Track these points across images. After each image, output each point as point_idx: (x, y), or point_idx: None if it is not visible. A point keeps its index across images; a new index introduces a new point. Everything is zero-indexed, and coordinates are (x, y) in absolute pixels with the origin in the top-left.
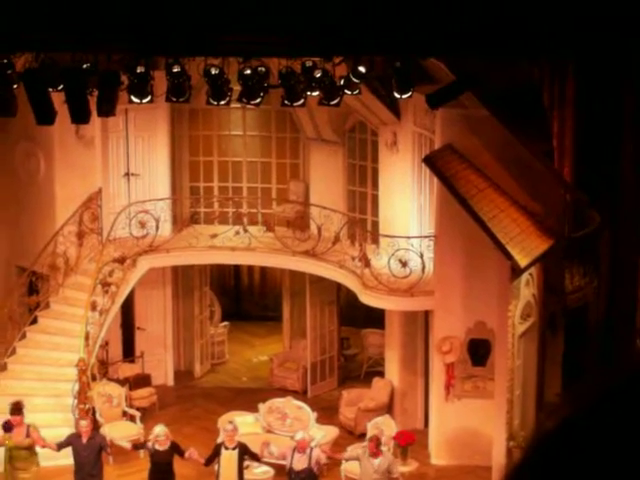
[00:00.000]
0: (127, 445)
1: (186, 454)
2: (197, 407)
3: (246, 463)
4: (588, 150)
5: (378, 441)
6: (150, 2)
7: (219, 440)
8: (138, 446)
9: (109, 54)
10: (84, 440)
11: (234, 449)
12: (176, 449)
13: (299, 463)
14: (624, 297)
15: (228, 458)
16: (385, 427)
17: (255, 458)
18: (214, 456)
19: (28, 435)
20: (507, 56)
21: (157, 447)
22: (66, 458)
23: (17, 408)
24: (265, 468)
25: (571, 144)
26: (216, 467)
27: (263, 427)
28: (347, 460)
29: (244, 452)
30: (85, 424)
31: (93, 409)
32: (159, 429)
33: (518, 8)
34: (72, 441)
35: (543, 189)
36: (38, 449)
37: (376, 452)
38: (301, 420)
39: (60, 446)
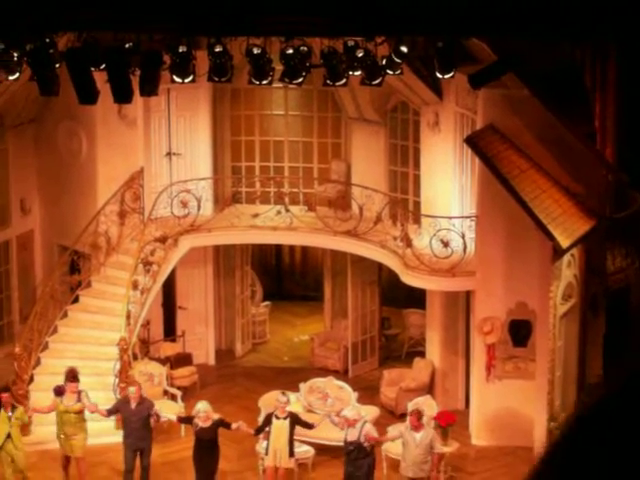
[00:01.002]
0: (173, 417)
1: (234, 425)
2: (238, 386)
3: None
4: (630, 131)
5: (419, 414)
6: None
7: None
8: (183, 420)
9: (151, 33)
10: (133, 406)
11: (285, 419)
12: (221, 424)
13: (351, 435)
14: None
15: (279, 427)
16: (426, 407)
17: (308, 427)
18: (264, 426)
19: (79, 401)
20: (550, 37)
21: (199, 423)
22: (114, 436)
23: (72, 375)
24: (306, 448)
25: (613, 125)
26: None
27: (304, 407)
28: (392, 440)
29: (295, 421)
30: (134, 390)
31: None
32: (200, 405)
33: None
34: (121, 407)
35: (585, 170)
36: (90, 424)
37: (418, 425)
38: (342, 400)
39: (110, 412)
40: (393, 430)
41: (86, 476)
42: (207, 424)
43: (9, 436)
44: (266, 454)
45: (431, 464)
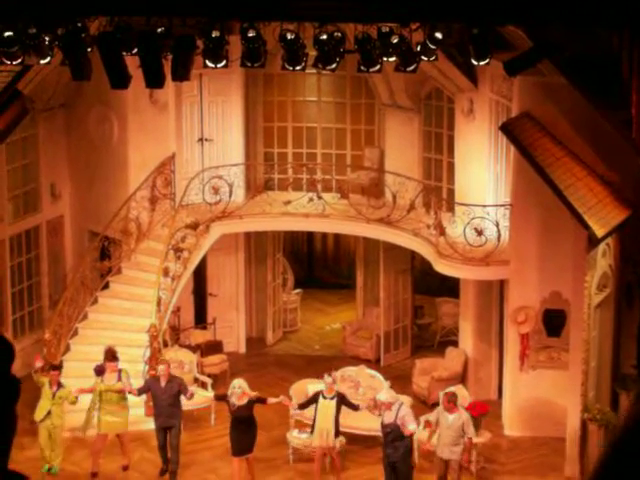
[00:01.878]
0: (209, 395)
1: (271, 400)
2: (269, 374)
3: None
4: None
5: (452, 397)
6: None
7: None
8: (221, 397)
9: (184, 18)
10: (162, 384)
11: (332, 398)
12: (257, 401)
13: (387, 417)
14: None
15: (326, 406)
16: (458, 397)
17: (354, 408)
18: (310, 402)
19: (119, 379)
20: (586, 24)
21: (234, 401)
22: (145, 423)
23: (111, 354)
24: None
25: None
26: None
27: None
28: (435, 431)
29: (342, 402)
30: (163, 368)
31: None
32: (236, 381)
33: None
34: (151, 385)
35: (621, 159)
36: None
37: (449, 407)
38: (374, 389)
39: (140, 391)
40: (431, 417)
41: (129, 449)
42: (243, 402)
43: (49, 413)
44: (311, 433)
45: (463, 447)
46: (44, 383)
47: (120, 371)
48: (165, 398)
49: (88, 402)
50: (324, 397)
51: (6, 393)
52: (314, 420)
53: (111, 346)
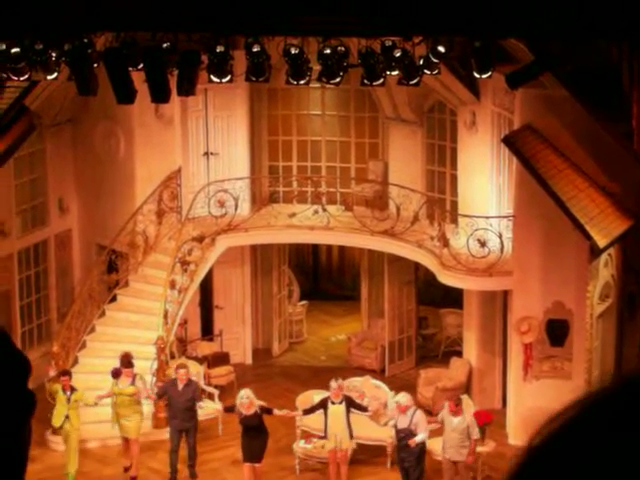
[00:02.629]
0: (218, 407)
1: (276, 411)
2: (275, 385)
3: (323, 442)
4: None
5: (457, 400)
6: None
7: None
8: (229, 408)
9: (189, 33)
10: (180, 387)
11: (340, 403)
12: (263, 411)
13: (401, 422)
14: None
15: (336, 412)
16: (463, 407)
17: (362, 409)
18: (315, 408)
19: (133, 384)
20: (587, 37)
21: (242, 411)
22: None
23: (127, 361)
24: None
25: None
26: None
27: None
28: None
29: (350, 405)
30: (183, 372)
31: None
32: (243, 392)
33: None
34: (168, 388)
35: (622, 170)
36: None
37: (455, 411)
38: (379, 399)
39: (159, 395)
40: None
41: (138, 458)
42: (250, 412)
43: (67, 417)
44: (325, 437)
45: (469, 449)
46: (57, 390)
47: (135, 376)
48: (182, 401)
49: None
50: (332, 402)
51: (23, 407)
52: (326, 426)
53: (127, 352)
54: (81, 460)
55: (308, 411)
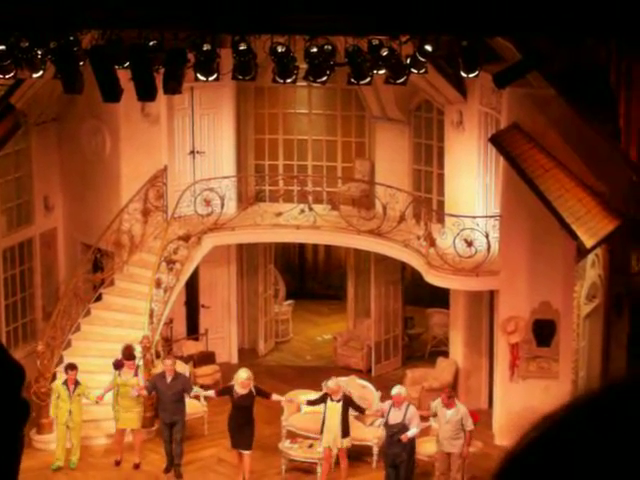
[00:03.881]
0: (211, 394)
1: (274, 397)
2: (261, 384)
3: (309, 442)
4: None
5: (450, 392)
6: None
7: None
8: (222, 391)
9: (176, 31)
10: (168, 380)
11: (339, 401)
12: (260, 392)
13: (394, 417)
14: None
15: (333, 409)
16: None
17: (359, 410)
18: (318, 401)
19: (136, 375)
20: (574, 35)
21: (238, 390)
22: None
23: (129, 353)
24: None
25: (638, 124)
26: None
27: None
28: (433, 417)
29: (348, 404)
30: (170, 363)
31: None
32: (242, 372)
33: None
34: (157, 381)
35: (609, 169)
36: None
37: (448, 403)
38: (365, 399)
39: (148, 389)
40: (433, 407)
41: (140, 448)
42: (245, 390)
43: (70, 412)
44: (321, 432)
45: (463, 440)
46: (59, 388)
47: (137, 368)
48: (170, 395)
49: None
50: (331, 399)
51: (17, 415)
52: (323, 422)
53: (130, 344)
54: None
55: (311, 402)
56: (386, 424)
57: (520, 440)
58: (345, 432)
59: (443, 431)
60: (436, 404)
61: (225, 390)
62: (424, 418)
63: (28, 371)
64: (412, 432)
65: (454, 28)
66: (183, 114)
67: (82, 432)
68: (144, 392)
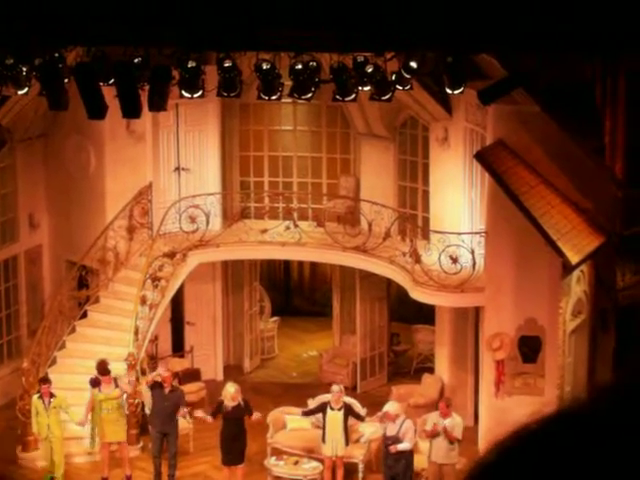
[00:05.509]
0: (208, 419)
1: (254, 416)
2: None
3: (295, 459)
4: None
5: (449, 402)
6: None
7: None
8: (215, 412)
9: (160, 48)
10: (166, 390)
11: (340, 410)
12: (247, 406)
13: (390, 430)
14: None
15: (334, 418)
16: (435, 423)
17: (359, 418)
18: (315, 411)
19: (117, 387)
20: (559, 53)
21: (227, 403)
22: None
23: (103, 368)
24: (315, 464)
25: (623, 141)
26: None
27: (312, 423)
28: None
29: (349, 412)
30: (168, 374)
31: (142, 403)
32: (229, 386)
33: (570, 4)
34: (152, 390)
35: (594, 186)
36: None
37: (446, 412)
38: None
39: (151, 388)
40: (429, 419)
41: (129, 459)
42: (235, 403)
43: (48, 426)
44: (323, 442)
45: (457, 452)
46: (34, 401)
47: (115, 379)
48: (167, 406)
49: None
50: (332, 408)
51: None
52: (324, 431)
53: (103, 359)
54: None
55: (307, 413)
56: (384, 436)
57: (493, 449)
58: (346, 441)
59: (438, 441)
60: (432, 416)
61: (217, 409)
62: (429, 434)
63: (13, 388)
64: (403, 446)
65: (439, 45)
66: (168, 131)
67: (64, 449)
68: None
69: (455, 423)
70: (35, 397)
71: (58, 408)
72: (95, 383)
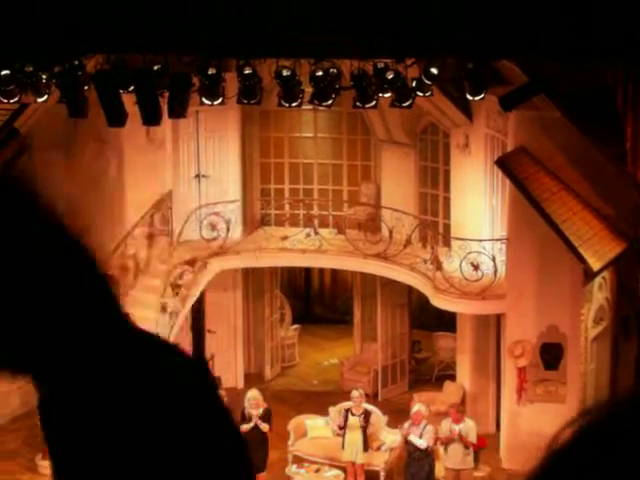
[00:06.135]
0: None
1: (262, 426)
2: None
3: (316, 467)
4: None
5: (459, 407)
6: (222, 4)
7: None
8: (240, 420)
9: (180, 56)
10: None
11: (360, 415)
12: (267, 416)
13: (414, 433)
14: None
15: (354, 424)
16: (452, 430)
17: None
18: (345, 421)
19: None
20: (581, 59)
21: (250, 411)
22: None
23: None
24: (336, 472)
25: None
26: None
27: (333, 430)
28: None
29: (369, 418)
30: None
31: None
32: (250, 393)
33: (592, 10)
34: None
35: (616, 192)
36: None
37: (458, 417)
38: (372, 423)
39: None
40: (443, 430)
41: None
42: (258, 411)
43: None
44: (343, 447)
45: (472, 456)
46: None
47: None
48: None
49: None
50: (352, 414)
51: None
52: (344, 436)
53: None
54: None
55: (340, 427)
56: (407, 441)
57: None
58: (365, 446)
59: (453, 447)
60: (445, 423)
61: (242, 418)
62: (446, 441)
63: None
64: (419, 441)
65: (460, 51)
66: (188, 138)
67: None
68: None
69: (468, 428)
70: None
71: None
72: None
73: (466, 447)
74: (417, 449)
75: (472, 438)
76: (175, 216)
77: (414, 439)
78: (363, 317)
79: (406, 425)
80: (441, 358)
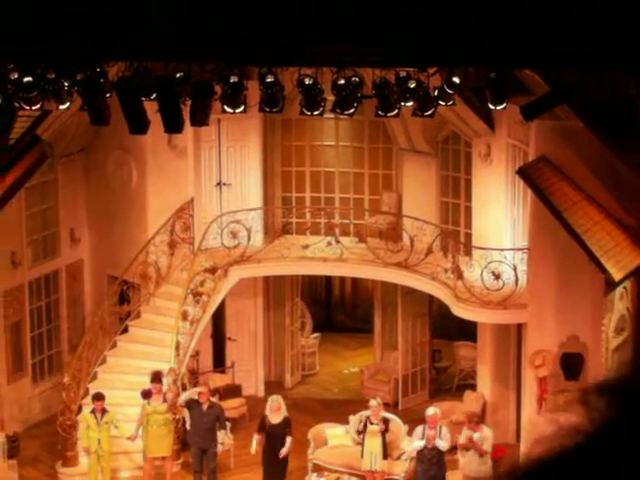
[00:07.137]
0: (256, 438)
1: (283, 451)
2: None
3: (336, 475)
4: None
5: (472, 416)
6: (243, 12)
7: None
8: (260, 428)
9: (202, 63)
10: (204, 407)
11: (378, 424)
12: (288, 425)
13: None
14: None
15: (372, 431)
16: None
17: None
18: (364, 428)
19: (165, 401)
20: (603, 68)
21: (271, 419)
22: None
23: (157, 377)
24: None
25: None
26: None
27: (353, 439)
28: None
29: (387, 426)
30: (205, 390)
31: (183, 419)
32: (272, 397)
33: (614, 20)
34: (192, 406)
35: (638, 202)
36: None
37: (473, 427)
38: (392, 432)
39: (182, 406)
40: (462, 437)
41: (171, 475)
42: (277, 419)
43: (99, 441)
44: (362, 456)
45: (489, 466)
46: (87, 419)
47: (165, 394)
48: (205, 422)
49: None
50: (371, 423)
51: None
52: (363, 445)
53: (158, 369)
54: None
55: (359, 433)
56: (425, 446)
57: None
58: (384, 455)
59: (468, 455)
60: (465, 431)
61: (261, 425)
62: (464, 446)
63: (54, 403)
64: (442, 444)
65: (482, 60)
66: (210, 146)
67: (112, 463)
68: (181, 405)
69: (484, 436)
70: (87, 412)
71: (109, 423)
72: (146, 395)
73: (481, 456)
74: (432, 454)
75: (487, 447)
76: (196, 224)
77: (437, 442)
78: (384, 326)
79: (420, 429)
80: (462, 367)
